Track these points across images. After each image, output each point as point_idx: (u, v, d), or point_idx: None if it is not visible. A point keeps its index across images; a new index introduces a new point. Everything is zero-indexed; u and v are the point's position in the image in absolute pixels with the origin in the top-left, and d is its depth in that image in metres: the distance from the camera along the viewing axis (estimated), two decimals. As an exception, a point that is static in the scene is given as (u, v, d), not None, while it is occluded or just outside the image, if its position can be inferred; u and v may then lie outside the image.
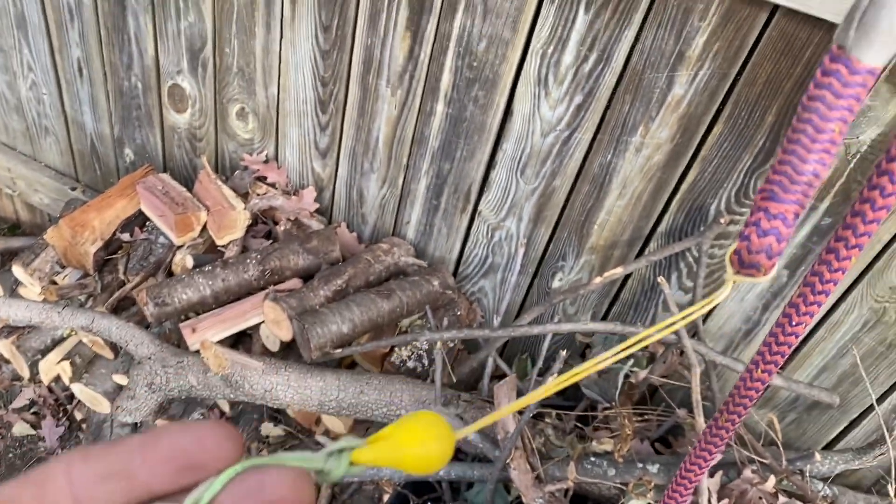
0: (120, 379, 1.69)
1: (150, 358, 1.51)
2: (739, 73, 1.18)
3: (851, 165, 1.17)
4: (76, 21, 1.80)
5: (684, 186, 1.33)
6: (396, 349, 1.61)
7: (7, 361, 2.01)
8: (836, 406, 1.39)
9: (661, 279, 1.35)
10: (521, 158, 1.45)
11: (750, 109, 1.20)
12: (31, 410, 2.08)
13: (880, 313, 1.29)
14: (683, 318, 0.42)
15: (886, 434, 1.33)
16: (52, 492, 0.29)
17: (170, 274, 1.72)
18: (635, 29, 1.21)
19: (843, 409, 1.43)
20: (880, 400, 1.37)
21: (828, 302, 1.32)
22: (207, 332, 1.54)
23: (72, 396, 2.04)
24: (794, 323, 0.41)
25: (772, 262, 0.45)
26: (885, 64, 0.42)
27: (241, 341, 1.66)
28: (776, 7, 1.10)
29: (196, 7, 1.61)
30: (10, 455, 2.02)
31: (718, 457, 0.47)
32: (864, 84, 0.43)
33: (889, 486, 1.31)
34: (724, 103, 1.22)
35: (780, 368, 1.44)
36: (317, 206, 1.76)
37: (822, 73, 0.42)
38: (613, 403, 1.44)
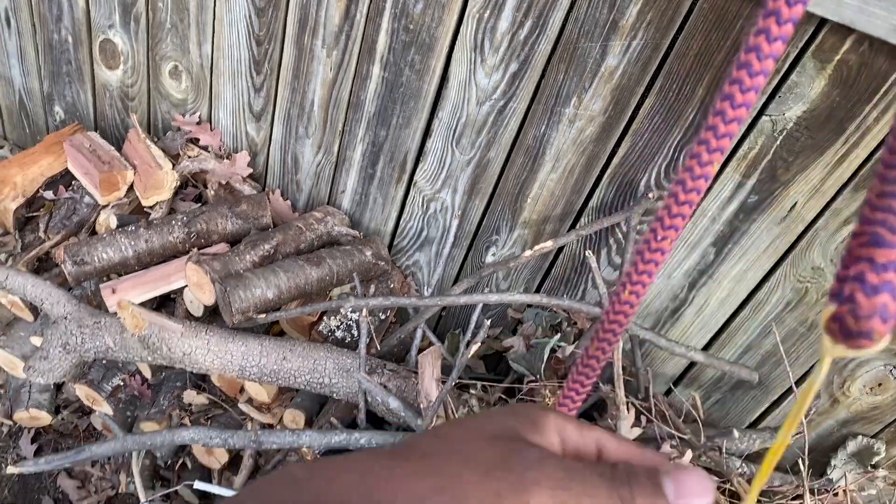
0: (38, 341, 1.63)
1: (65, 318, 1.46)
2: (671, 45, 1.18)
3: (777, 142, 1.18)
4: (4, -32, 1.73)
5: (615, 160, 1.33)
6: (325, 318, 1.58)
7: (-79, 323, 1.93)
8: (755, 384, 1.40)
9: (588, 253, 1.34)
10: (456, 127, 1.43)
11: (681, 82, 1.20)
12: (-53, 375, 1.99)
13: (802, 293, 1.30)
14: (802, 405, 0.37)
15: (803, 415, 1.34)
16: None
17: (93, 234, 1.66)
18: (570, -5, 1.19)
19: (765, 390, 1.44)
20: (800, 381, 1.39)
21: (752, 280, 1.33)
22: (128, 294, 1.49)
23: (-10, 361, 1.96)
24: (658, 238, 0.39)
25: (889, 326, 0.34)
26: None
27: (165, 306, 1.62)
28: (708, -22, 1.10)
29: (128, -43, 1.55)
30: (-78, 420, 1.94)
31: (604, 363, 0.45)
32: None
33: (803, 466, 1.32)
34: (655, 75, 1.21)
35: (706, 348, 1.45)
36: (250, 171, 1.71)
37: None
38: (539, 377, 1.43)
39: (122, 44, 1.70)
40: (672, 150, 1.26)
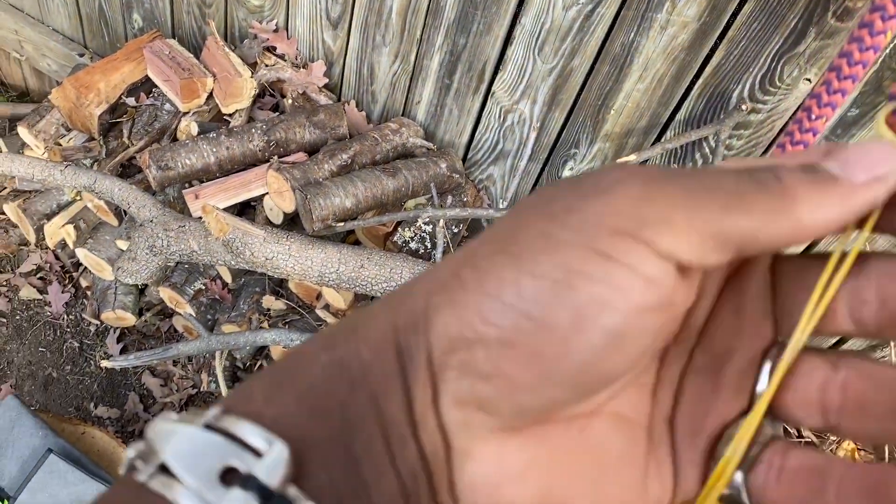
0: (123, 244, 1.69)
1: (152, 221, 1.50)
2: (778, -56, 1.11)
3: (887, 51, 1.11)
4: None
5: (708, 70, 1.27)
6: (399, 229, 1.59)
7: (14, 225, 2.02)
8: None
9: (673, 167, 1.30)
10: (539, 34, 1.38)
11: (785, -15, 1.13)
12: (38, 276, 2.09)
13: (898, 214, 1.25)
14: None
15: None
16: None
17: (174, 140, 1.69)
18: None
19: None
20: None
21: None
22: (211, 200, 1.53)
23: (78, 264, 2.06)
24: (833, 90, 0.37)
25: None
26: None
27: (245, 213, 1.65)
28: None
29: None
30: (17, 317, 2.05)
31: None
32: None
33: None
34: (758, -22, 1.14)
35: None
36: (326, 80, 1.70)
37: None
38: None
39: (200, -52, 1.68)
40: (770, 60, 1.20)
